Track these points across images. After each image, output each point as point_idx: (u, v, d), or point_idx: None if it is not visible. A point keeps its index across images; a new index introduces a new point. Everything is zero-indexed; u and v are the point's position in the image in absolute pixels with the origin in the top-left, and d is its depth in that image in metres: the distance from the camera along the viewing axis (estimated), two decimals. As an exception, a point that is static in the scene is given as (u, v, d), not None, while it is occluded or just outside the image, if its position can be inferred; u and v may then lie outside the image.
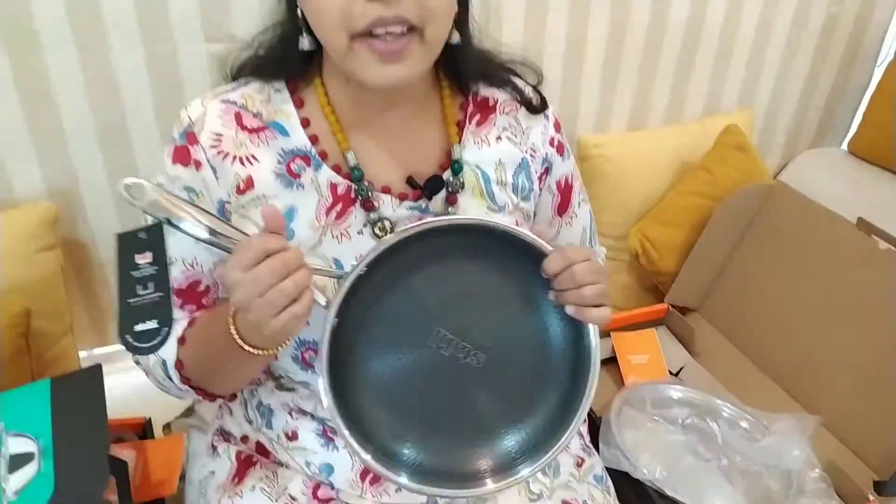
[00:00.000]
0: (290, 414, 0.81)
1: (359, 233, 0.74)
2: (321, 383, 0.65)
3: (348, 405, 0.67)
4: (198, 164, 0.72)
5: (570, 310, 0.69)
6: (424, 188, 0.75)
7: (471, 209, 0.78)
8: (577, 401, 0.71)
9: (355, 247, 0.74)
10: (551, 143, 0.84)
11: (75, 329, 1.17)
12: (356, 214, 0.74)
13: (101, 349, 1.31)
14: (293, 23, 0.72)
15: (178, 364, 0.74)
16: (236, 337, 0.65)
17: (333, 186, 0.74)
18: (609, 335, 1.32)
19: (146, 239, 0.61)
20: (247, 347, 0.65)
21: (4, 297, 1.02)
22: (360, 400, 0.69)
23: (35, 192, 1.11)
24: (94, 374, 0.91)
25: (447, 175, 0.77)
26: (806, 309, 1.20)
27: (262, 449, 0.84)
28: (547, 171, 0.85)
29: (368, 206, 0.74)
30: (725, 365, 1.28)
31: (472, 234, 0.69)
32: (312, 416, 0.81)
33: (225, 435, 0.88)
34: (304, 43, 0.71)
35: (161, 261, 0.62)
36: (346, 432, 0.66)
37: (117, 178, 1.12)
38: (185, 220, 0.62)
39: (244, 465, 0.83)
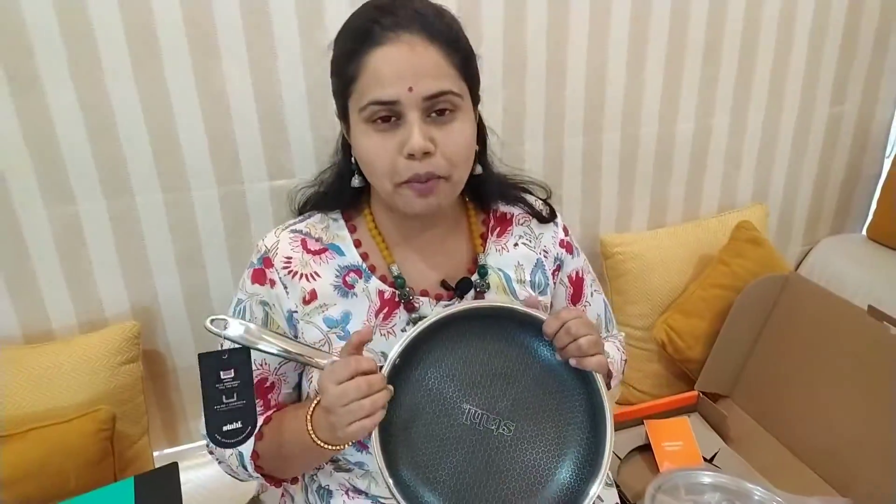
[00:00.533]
0: (346, 493, 0.92)
1: (402, 330, 0.89)
2: (379, 462, 0.76)
3: (403, 485, 0.78)
4: (272, 283, 0.88)
5: (572, 362, 0.81)
6: (456, 288, 0.91)
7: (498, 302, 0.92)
8: (602, 434, 0.83)
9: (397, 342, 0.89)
10: (561, 245, 1.01)
11: (150, 431, 1.30)
12: (400, 315, 0.90)
13: (172, 449, 1.44)
14: (347, 167, 0.90)
15: (255, 455, 0.88)
16: (311, 433, 0.79)
17: (381, 293, 0.90)
18: (643, 423, 1.38)
19: (228, 358, 0.75)
20: (319, 442, 0.79)
21: (91, 405, 1.16)
22: (411, 481, 0.80)
23: (121, 310, 1.29)
24: (171, 471, 1.04)
25: (475, 278, 0.93)
26: (829, 393, 1.25)
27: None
28: (559, 267, 1.00)
29: (410, 307, 0.90)
30: (758, 449, 1.32)
31: (481, 319, 0.83)
32: (367, 495, 0.91)
33: None
34: (356, 182, 0.90)
35: (244, 375, 0.76)
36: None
37: (192, 296, 1.32)
38: (261, 344, 0.78)
39: None
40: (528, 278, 0.97)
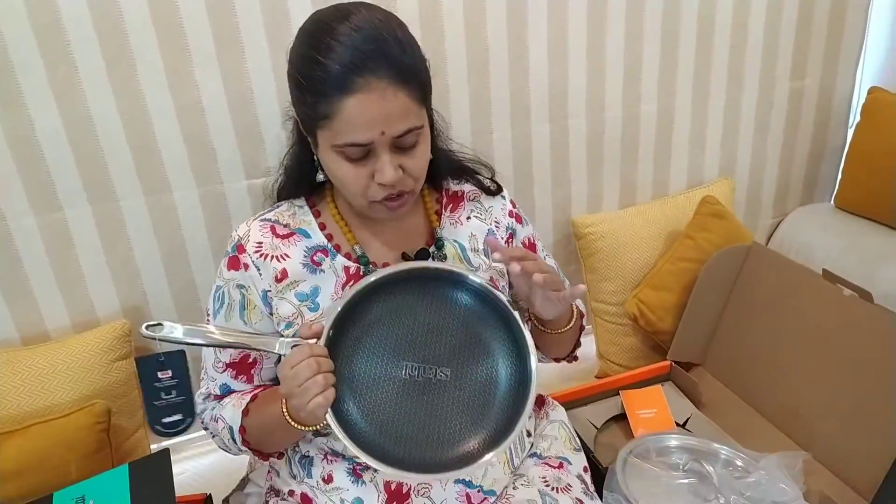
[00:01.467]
0: (325, 458, 0.99)
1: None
2: (343, 441, 0.83)
3: (351, 430, 0.85)
4: (246, 266, 0.96)
5: (554, 296, 0.91)
6: (415, 258, 1.00)
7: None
8: (523, 401, 0.91)
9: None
10: (510, 215, 1.10)
11: (146, 424, 1.37)
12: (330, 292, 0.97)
13: (169, 441, 1.50)
14: (308, 158, 0.97)
15: (242, 430, 0.96)
16: (287, 416, 0.87)
17: (346, 269, 0.98)
18: (618, 393, 1.44)
19: (164, 361, 0.83)
20: (294, 424, 0.87)
21: (89, 400, 1.23)
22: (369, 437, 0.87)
23: (112, 310, 1.35)
24: (164, 457, 1.10)
25: (432, 249, 1.01)
26: (791, 355, 1.31)
27: (306, 499, 1.01)
28: (511, 235, 1.09)
29: None
30: (728, 413, 1.38)
31: (404, 282, 0.92)
32: (343, 457, 0.98)
33: (276, 492, 1.05)
34: (320, 177, 0.98)
35: (181, 374, 0.83)
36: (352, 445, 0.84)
37: (180, 293, 1.39)
38: (198, 340, 0.87)
39: None
40: (480, 247, 1.05)
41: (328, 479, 0.99)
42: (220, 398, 1.02)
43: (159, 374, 0.87)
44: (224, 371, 1.01)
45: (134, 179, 1.28)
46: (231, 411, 0.98)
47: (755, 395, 1.38)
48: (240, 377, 1.01)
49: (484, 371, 0.93)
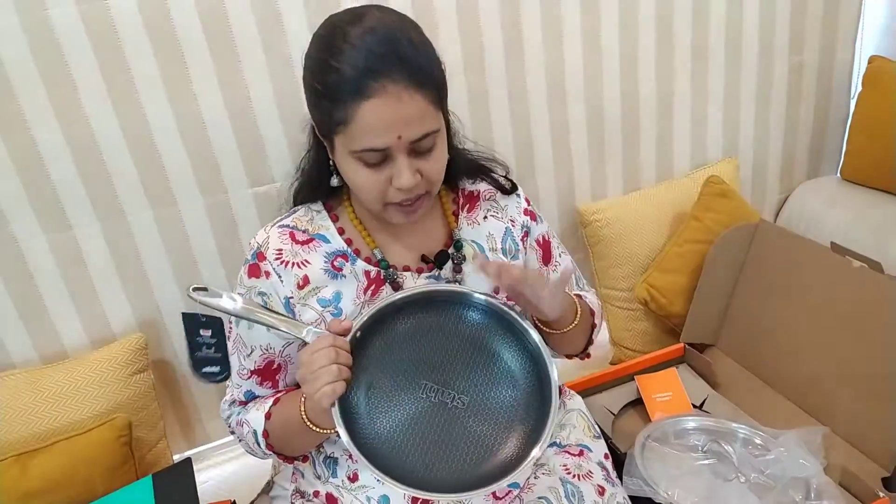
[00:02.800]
0: (350, 458, 1.00)
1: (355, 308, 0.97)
2: (343, 437, 0.83)
3: (371, 455, 0.84)
4: (267, 274, 0.96)
5: (540, 290, 0.88)
6: (435, 261, 1.00)
7: (472, 273, 1.01)
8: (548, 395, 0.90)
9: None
10: (525, 213, 1.09)
11: (168, 434, 1.39)
12: (387, 291, 0.98)
13: (191, 450, 1.52)
14: (326, 167, 0.97)
15: (265, 434, 0.97)
16: (304, 416, 0.89)
17: (367, 273, 0.98)
18: (633, 378, 1.44)
19: (206, 321, 0.96)
20: (310, 426, 0.89)
21: (110, 415, 1.25)
22: (381, 450, 0.86)
23: (127, 325, 1.37)
24: (186, 466, 1.12)
25: (451, 250, 1.01)
26: (804, 329, 1.31)
27: (331, 499, 1.01)
28: (527, 233, 1.08)
29: (395, 286, 0.98)
30: (744, 392, 1.38)
31: (433, 303, 0.92)
32: None
33: (302, 494, 1.06)
34: (334, 181, 0.97)
35: (218, 334, 0.96)
36: (380, 473, 0.82)
37: (192, 302, 1.37)
38: (223, 304, 0.88)
39: None
40: (499, 246, 1.05)
41: (354, 478, 0.99)
42: (244, 404, 1.03)
43: (201, 332, 0.99)
44: (249, 378, 1.01)
45: (140, 194, 1.29)
46: (255, 415, 0.99)
47: (770, 372, 1.38)
48: (265, 383, 1.01)
49: (503, 379, 0.92)
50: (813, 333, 1.29)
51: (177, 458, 1.44)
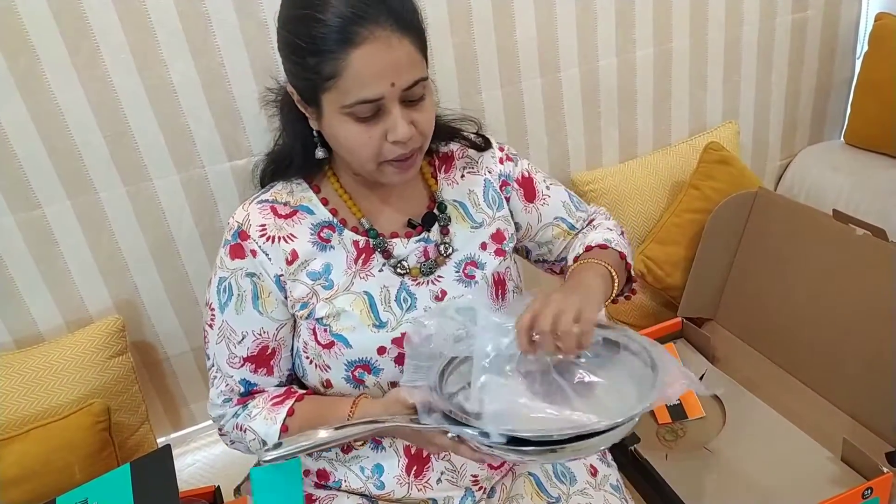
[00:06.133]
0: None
1: (379, 271, 0.95)
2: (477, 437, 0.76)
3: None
4: (253, 253, 0.91)
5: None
6: (422, 223, 0.98)
7: (459, 232, 1.00)
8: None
9: (378, 281, 0.94)
10: (501, 162, 1.06)
11: (151, 418, 1.34)
12: (376, 258, 0.95)
13: (177, 433, 1.49)
14: (309, 138, 0.93)
15: (283, 433, 0.91)
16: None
17: (356, 243, 0.95)
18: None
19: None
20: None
21: (87, 400, 1.20)
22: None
23: (104, 306, 1.31)
24: (165, 453, 1.07)
25: (436, 212, 1.00)
26: (806, 300, 1.26)
27: (323, 474, 0.99)
28: (506, 181, 1.06)
29: (387, 254, 0.96)
30: (744, 366, 1.34)
31: None
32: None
33: None
34: (320, 154, 0.93)
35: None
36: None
37: (172, 284, 1.35)
38: (319, 439, 0.81)
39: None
40: (482, 201, 1.03)
41: (347, 450, 0.97)
42: (243, 399, 0.97)
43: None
44: (242, 366, 0.95)
45: (111, 169, 1.22)
46: (264, 426, 0.93)
47: (771, 345, 1.33)
48: (259, 370, 0.96)
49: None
50: (814, 305, 1.25)
51: (161, 441, 1.40)
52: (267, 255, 0.91)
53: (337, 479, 0.99)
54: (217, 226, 1.33)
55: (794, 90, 1.80)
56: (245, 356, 0.95)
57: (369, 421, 0.83)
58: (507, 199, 1.05)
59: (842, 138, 1.86)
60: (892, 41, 1.67)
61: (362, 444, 0.96)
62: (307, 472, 1.01)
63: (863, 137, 1.78)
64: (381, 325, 0.92)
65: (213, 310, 0.95)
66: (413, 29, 0.83)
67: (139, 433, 1.30)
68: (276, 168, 0.99)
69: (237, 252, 0.92)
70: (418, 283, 0.95)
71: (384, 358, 0.92)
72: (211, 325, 0.95)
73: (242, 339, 0.94)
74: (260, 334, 0.94)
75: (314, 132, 0.92)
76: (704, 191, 1.51)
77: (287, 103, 0.94)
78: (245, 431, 0.94)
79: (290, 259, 0.92)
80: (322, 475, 0.99)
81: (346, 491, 0.99)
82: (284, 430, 0.91)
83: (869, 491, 1.00)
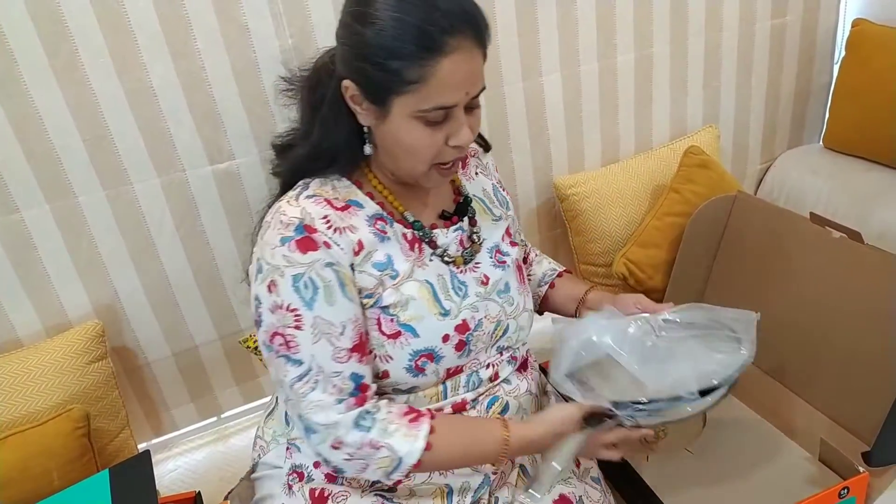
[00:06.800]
0: None
1: (430, 260, 0.98)
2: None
3: None
4: (326, 245, 0.88)
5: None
6: (456, 213, 1.04)
7: (483, 223, 1.07)
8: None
9: (433, 270, 0.97)
10: (496, 169, 1.18)
11: (132, 424, 1.33)
12: (426, 249, 0.98)
13: (159, 438, 1.48)
14: (354, 135, 0.93)
15: (417, 465, 0.88)
16: (504, 453, 0.92)
17: (405, 235, 0.97)
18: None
19: None
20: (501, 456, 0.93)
21: (66, 406, 1.19)
22: None
23: (83, 311, 1.30)
24: (144, 459, 1.07)
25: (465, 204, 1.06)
26: (784, 302, 1.27)
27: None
28: (503, 185, 1.17)
29: (433, 245, 0.99)
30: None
31: None
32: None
33: (298, 472, 1.00)
34: (368, 149, 0.93)
35: None
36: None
37: (152, 289, 1.34)
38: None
39: (318, 502, 0.96)
40: (495, 199, 1.11)
41: None
42: (360, 401, 0.89)
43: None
44: (349, 359, 0.88)
45: (90, 173, 1.21)
46: (405, 444, 0.87)
47: (750, 346, 1.34)
48: (363, 359, 0.90)
49: None
50: (792, 307, 1.26)
51: (142, 447, 1.39)
52: (338, 245, 0.89)
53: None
54: (198, 229, 1.33)
55: (773, 95, 1.82)
56: (350, 347, 0.89)
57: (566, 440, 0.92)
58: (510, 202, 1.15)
59: (821, 142, 1.88)
60: (868, 46, 1.70)
61: None
62: (317, 465, 0.97)
63: (841, 141, 1.80)
64: (445, 313, 0.94)
65: (295, 311, 0.87)
66: (486, 43, 0.87)
67: (119, 439, 1.28)
68: (319, 163, 0.95)
69: (308, 245, 0.87)
70: (461, 271, 0.99)
71: (447, 346, 0.94)
72: (298, 328, 0.87)
73: (343, 330, 0.88)
74: (356, 321, 0.90)
75: (364, 128, 0.91)
76: (685, 194, 1.52)
77: (333, 99, 0.91)
78: (378, 449, 0.87)
79: (356, 249, 0.91)
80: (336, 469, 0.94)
81: (365, 480, 0.95)
82: (428, 447, 0.87)
83: (845, 490, 1.01)
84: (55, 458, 1.14)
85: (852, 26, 1.74)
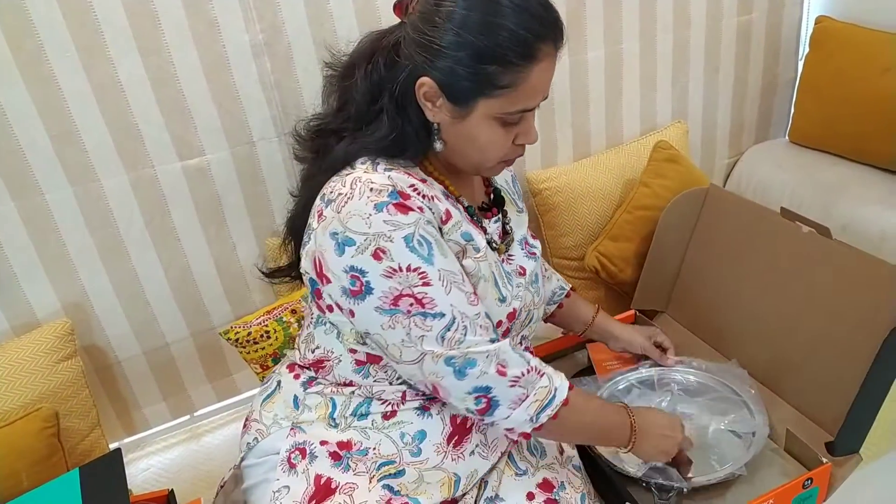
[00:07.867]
0: (402, 398, 0.96)
1: (485, 247, 0.98)
2: None
3: None
4: (420, 209, 0.86)
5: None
6: (494, 204, 1.08)
7: (512, 215, 1.11)
8: None
9: (491, 256, 0.98)
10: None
11: (103, 423, 1.32)
12: (478, 236, 0.98)
13: (130, 437, 1.46)
14: (422, 129, 0.91)
15: (566, 402, 0.92)
16: (631, 442, 1.00)
17: (466, 218, 0.97)
18: (585, 346, 1.43)
19: None
20: (625, 450, 1.01)
21: (34, 405, 1.17)
22: None
23: (52, 310, 1.29)
24: (115, 457, 1.06)
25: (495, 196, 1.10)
26: (753, 295, 1.30)
27: (344, 444, 0.95)
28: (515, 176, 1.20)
29: (482, 230, 1.01)
30: (693, 356, 1.37)
31: None
32: (417, 394, 0.97)
33: (301, 449, 0.96)
34: (438, 146, 0.93)
35: None
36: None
37: (122, 286, 1.32)
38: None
39: (323, 491, 0.92)
40: (515, 193, 1.15)
41: (389, 416, 0.96)
42: (503, 335, 0.95)
43: None
44: (479, 301, 0.90)
45: (57, 170, 1.20)
46: (556, 377, 0.92)
47: (719, 338, 1.37)
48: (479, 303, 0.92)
49: None
50: (761, 299, 1.29)
51: (114, 446, 1.38)
52: (430, 210, 0.88)
53: (364, 448, 0.95)
54: (167, 226, 1.31)
55: (740, 91, 1.85)
56: (473, 291, 0.90)
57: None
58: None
59: (786, 137, 1.92)
60: (831, 43, 1.73)
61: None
62: (324, 443, 0.95)
63: (806, 136, 1.84)
64: (503, 299, 0.96)
65: (417, 269, 0.85)
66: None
67: (90, 438, 1.27)
68: (391, 152, 0.93)
69: (406, 208, 0.85)
70: (502, 260, 1.02)
71: (497, 331, 0.94)
72: (427, 283, 0.85)
73: (463, 278, 0.89)
74: (463, 273, 0.91)
75: (434, 125, 0.91)
76: (654, 188, 1.54)
77: (402, 92, 0.89)
78: (541, 376, 0.90)
79: (444, 218, 0.91)
80: (344, 446, 0.95)
81: (371, 462, 0.94)
82: (566, 402, 0.91)
83: (809, 481, 1.03)
84: (23, 458, 1.13)
85: (816, 23, 1.77)
